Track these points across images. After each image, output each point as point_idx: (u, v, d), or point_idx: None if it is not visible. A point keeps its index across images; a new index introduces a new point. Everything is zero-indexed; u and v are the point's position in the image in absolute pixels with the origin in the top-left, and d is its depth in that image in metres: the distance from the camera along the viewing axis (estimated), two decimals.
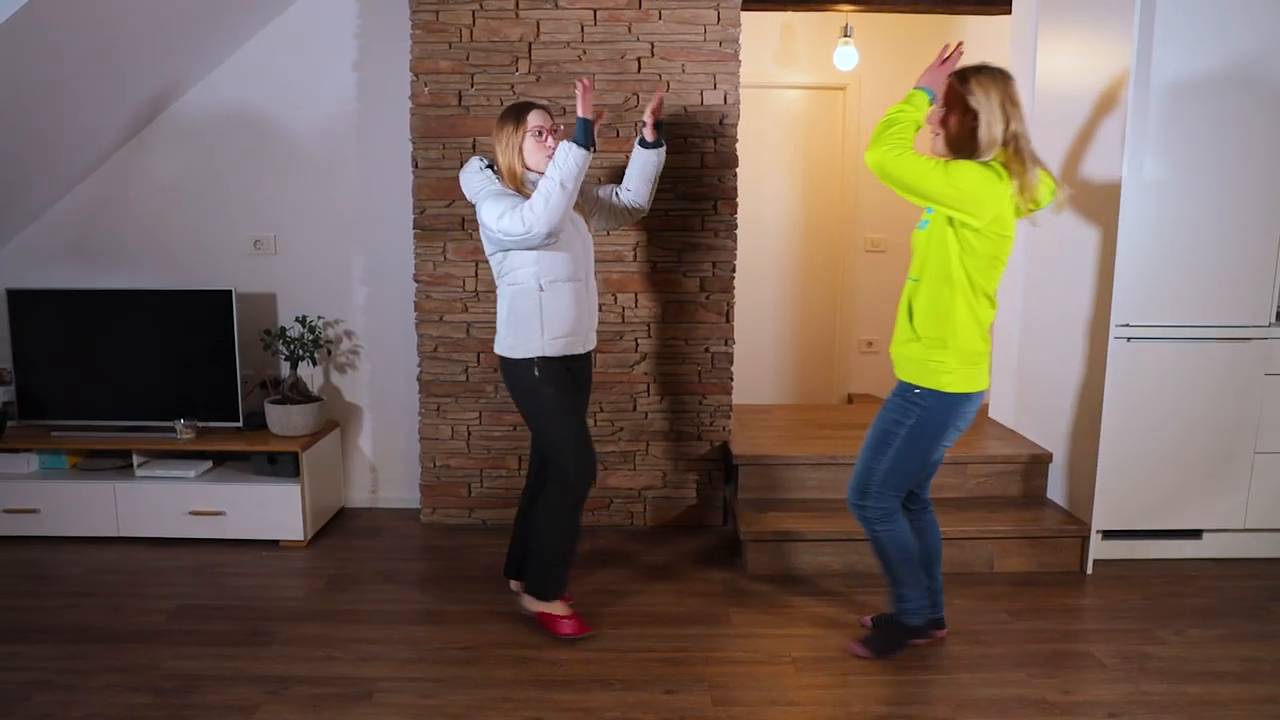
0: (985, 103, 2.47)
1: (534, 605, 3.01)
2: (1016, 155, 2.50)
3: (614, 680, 2.70)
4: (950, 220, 2.52)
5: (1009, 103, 2.48)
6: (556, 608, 2.97)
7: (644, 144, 3.04)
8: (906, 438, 2.63)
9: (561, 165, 2.68)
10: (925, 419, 2.60)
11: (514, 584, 3.21)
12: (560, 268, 2.82)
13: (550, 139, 2.84)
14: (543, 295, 2.81)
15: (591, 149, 2.73)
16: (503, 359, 2.91)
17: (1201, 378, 3.36)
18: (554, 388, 2.85)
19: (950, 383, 2.57)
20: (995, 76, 2.50)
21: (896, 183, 2.51)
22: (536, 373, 2.84)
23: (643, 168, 3.06)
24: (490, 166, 2.91)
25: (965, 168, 2.47)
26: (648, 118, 3.01)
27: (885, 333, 5.69)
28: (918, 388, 2.60)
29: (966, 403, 2.61)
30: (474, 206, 2.89)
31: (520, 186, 2.84)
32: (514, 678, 2.70)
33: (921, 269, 2.61)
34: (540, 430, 2.93)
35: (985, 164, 2.49)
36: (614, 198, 3.11)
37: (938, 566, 2.91)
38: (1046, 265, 3.74)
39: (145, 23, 3.23)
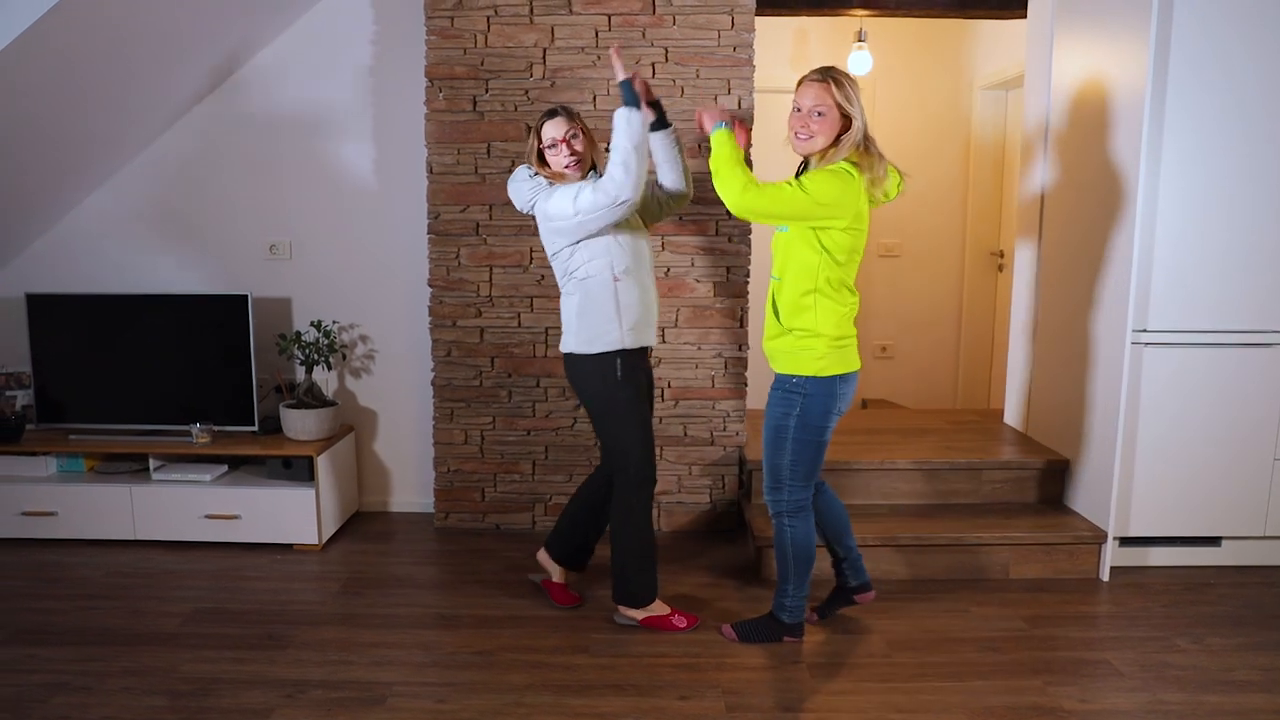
0: (857, 106, 2.61)
1: (635, 614, 3.02)
2: (869, 153, 2.63)
3: (628, 685, 2.69)
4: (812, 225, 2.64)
5: (861, 104, 2.63)
6: (658, 608, 3.01)
7: (650, 128, 2.93)
8: (797, 427, 2.73)
9: (626, 131, 2.69)
10: (808, 405, 2.71)
11: (541, 554, 3.24)
12: (630, 258, 2.83)
13: (564, 147, 2.84)
14: (618, 285, 2.81)
15: (640, 107, 2.72)
16: (574, 356, 2.89)
17: (1220, 384, 3.33)
18: (632, 390, 2.86)
19: (823, 367, 2.68)
20: (854, 81, 2.64)
21: (764, 216, 2.66)
22: (619, 372, 2.83)
23: (659, 152, 2.96)
24: (537, 172, 2.92)
25: (818, 179, 2.59)
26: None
27: (900, 337, 5.69)
28: (795, 377, 2.71)
29: (842, 384, 2.73)
30: (529, 214, 2.93)
31: (554, 178, 2.86)
32: (528, 682, 2.70)
33: (784, 269, 2.71)
34: (611, 432, 2.91)
35: (832, 169, 2.60)
36: (654, 190, 3.05)
37: (850, 536, 3.01)
38: (1062, 270, 3.72)
39: (159, 31, 3.25)
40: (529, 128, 3.66)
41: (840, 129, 2.61)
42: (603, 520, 3.14)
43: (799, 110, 2.64)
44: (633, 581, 2.98)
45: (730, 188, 2.62)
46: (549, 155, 2.87)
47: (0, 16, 2.75)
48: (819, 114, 2.60)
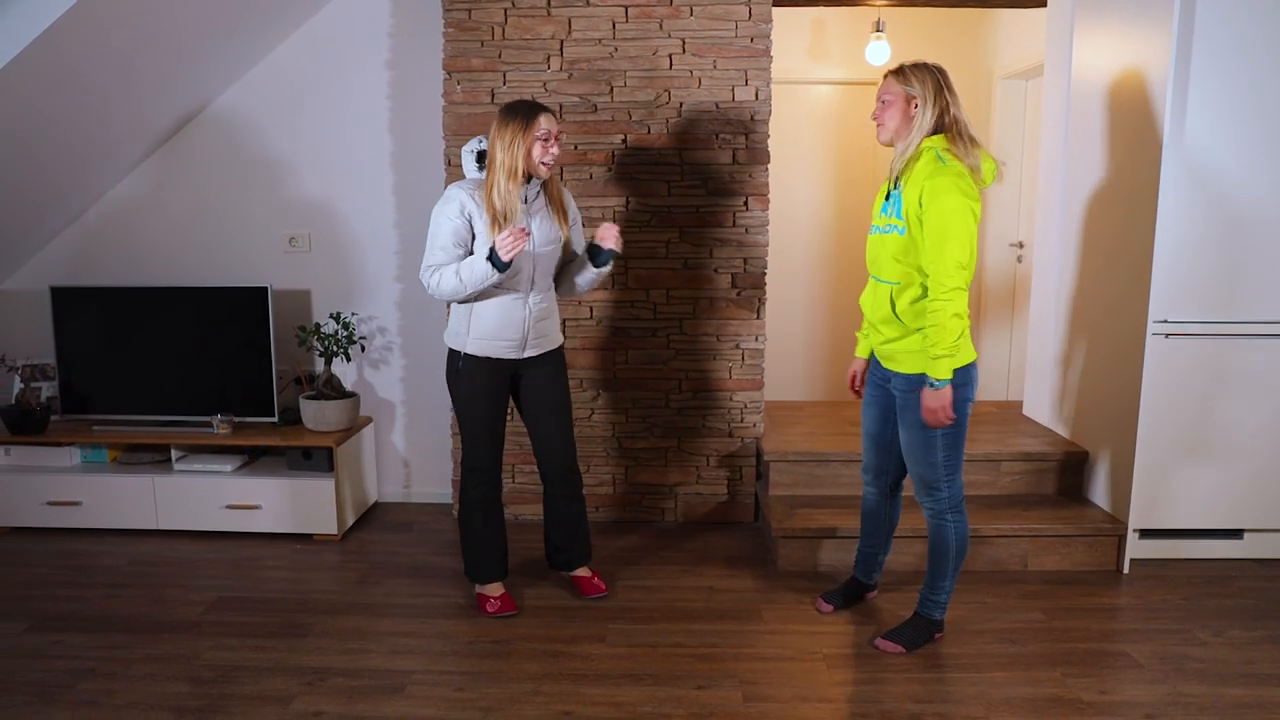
0: (926, 91, 2.62)
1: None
2: (960, 139, 2.62)
3: (645, 675, 2.70)
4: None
5: (944, 92, 2.63)
6: (485, 589, 3.12)
7: (594, 261, 2.99)
8: (963, 416, 2.72)
9: (470, 278, 2.77)
10: (966, 394, 2.70)
11: (564, 574, 3.29)
12: (499, 281, 2.84)
13: (555, 145, 2.81)
14: (478, 301, 2.90)
15: (500, 271, 2.76)
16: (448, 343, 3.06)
17: (1241, 374, 3.30)
18: (469, 386, 2.97)
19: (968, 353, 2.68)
20: (930, 71, 2.65)
21: (969, 267, 2.59)
22: (460, 365, 2.97)
23: (583, 276, 3.03)
24: (481, 158, 2.91)
25: (943, 207, 2.52)
26: (607, 243, 2.94)
27: None
28: (959, 367, 2.67)
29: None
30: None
31: (514, 177, 2.77)
32: (545, 671, 2.72)
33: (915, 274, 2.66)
34: (456, 416, 3.06)
35: (943, 171, 2.55)
36: (568, 268, 3.08)
37: (891, 538, 3.11)
38: (1083, 261, 3.69)
39: (178, 24, 3.28)
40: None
41: (912, 116, 2.65)
42: (554, 512, 3.20)
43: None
44: (465, 560, 3.13)
45: (957, 320, 2.56)
46: (541, 149, 2.78)
47: (18, 17, 2.78)
48: (884, 101, 2.69)
